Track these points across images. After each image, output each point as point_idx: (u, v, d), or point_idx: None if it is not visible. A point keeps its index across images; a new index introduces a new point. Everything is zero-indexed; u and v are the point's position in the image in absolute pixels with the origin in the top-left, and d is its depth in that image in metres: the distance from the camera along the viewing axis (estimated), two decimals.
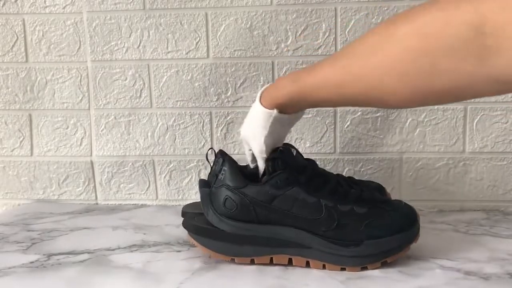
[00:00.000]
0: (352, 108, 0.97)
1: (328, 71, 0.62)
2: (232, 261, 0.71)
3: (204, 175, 1.02)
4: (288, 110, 0.70)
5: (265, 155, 0.72)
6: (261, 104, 0.70)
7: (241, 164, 0.75)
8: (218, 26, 0.98)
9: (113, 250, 0.78)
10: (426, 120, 0.96)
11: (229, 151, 1.00)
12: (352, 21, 0.95)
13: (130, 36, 0.99)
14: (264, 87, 0.72)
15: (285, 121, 0.71)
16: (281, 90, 0.68)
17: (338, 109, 0.98)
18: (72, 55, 1.02)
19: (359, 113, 0.97)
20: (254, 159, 0.75)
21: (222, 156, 0.73)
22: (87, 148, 1.04)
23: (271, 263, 0.71)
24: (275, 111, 0.69)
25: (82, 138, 1.04)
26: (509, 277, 0.66)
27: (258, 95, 0.72)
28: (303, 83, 0.65)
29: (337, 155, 0.99)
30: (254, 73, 0.98)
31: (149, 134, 1.02)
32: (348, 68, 0.59)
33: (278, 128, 0.71)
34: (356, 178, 0.83)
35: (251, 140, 0.73)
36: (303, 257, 0.70)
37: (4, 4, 1.01)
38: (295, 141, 0.98)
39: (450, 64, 0.50)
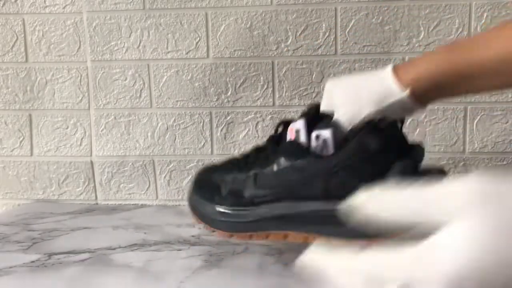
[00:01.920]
0: None
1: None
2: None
3: None
4: (423, 93, 0.60)
5: (349, 127, 0.60)
6: (394, 75, 0.60)
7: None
8: (218, 26, 0.98)
9: (113, 249, 0.78)
10: (426, 120, 0.96)
11: (229, 151, 1.00)
12: (352, 21, 0.95)
13: (130, 36, 0.99)
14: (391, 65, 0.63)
15: (402, 108, 0.61)
16: (426, 63, 0.60)
17: None
18: (72, 55, 1.02)
19: None
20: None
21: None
22: (87, 148, 1.04)
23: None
24: (406, 92, 0.60)
25: (82, 138, 1.04)
26: None
27: (390, 67, 0.62)
28: (458, 54, 0.58)
29: None
30: (254, 73, 0.98)
31: (149, 134, 1.02)
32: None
33: (388, 112, 0.60)
34: None
35: (347, 104, 0.61)
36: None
37: (4, 4, 1.01)
38: None
39: None
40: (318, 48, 0.96)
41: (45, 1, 1.00)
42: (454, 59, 0.58)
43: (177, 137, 1.01)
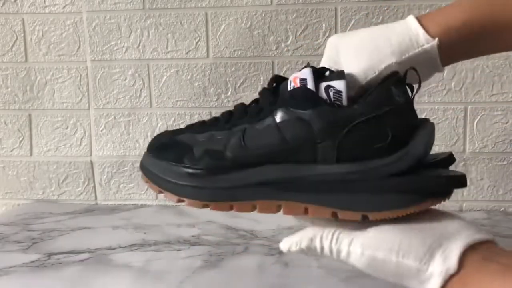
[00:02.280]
0: None
1: None
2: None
3: None
4: (453, 46, 0.51)
5: (362, 83, 0.51)
6: (421, 24, 0.51)
7: None
8: (218, 26, 0.97)
9: (113, 249, 0.78)
10: None
11: None
12: (352, 21, 0.95)
13: (129, 36, 0.99)
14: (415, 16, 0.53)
15: (426, 63, 0.52)
16: (458, 11, 0.51)
17: None
18: (72, 55, 1.01)
19: None
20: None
21: None
22: (87, 148, 1.04)
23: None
24: (435, 40, 0.50)
25: (81, 138, 1.04)
26: None
27: (413, 18, 0.52)
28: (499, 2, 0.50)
29: None
30: (254, 73, 0.98)
31: (149, 134, 1.02)
32: None
33: (407, 65, 0.50)
34: None
35: (363, 56, 0.52)
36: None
37: (3, 3, 1.01)
38: None
39: None
40: (318, 48, 0.96)
41: (44, 1, 1.00)
42: (495, 7, 0.50)
43: None
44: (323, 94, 0.48)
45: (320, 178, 0.48)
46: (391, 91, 0.47)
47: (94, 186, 1.05)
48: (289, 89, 0.49)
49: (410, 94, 0.49)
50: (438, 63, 0.52)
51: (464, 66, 0.94)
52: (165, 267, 0.71)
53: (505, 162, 0.96)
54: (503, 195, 0.97)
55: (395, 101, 0.47)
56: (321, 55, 0.96)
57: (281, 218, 0.92)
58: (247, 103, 0.54)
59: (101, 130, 1.03)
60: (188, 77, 0.99)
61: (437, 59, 0.51)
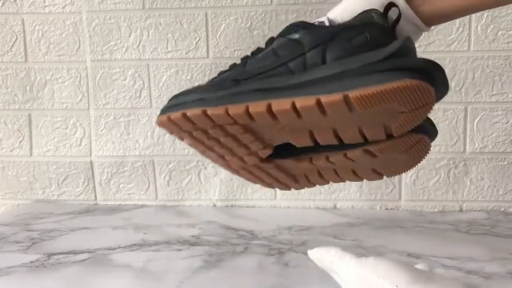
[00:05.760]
0: None
1: None
2: None
3: (204, 175, 1.02)
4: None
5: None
6: None
7: None
8: (218, 26, 0.97)
9: (113, 249, 0.78)
10: None
11: None
12: None
13: (129, 36, 0.99)
14: None
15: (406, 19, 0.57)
16: None
17: None
18: (72, 55, 1.01)
19: None
20: None
21: None
22: (87, 148, 1.04)
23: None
24: None
25: (81, 138, 1.04)
26: (511, 276, 0.66)
27: None
28: None
29: None
30: None
31: (148, 134, 1.02)
32: None
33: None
34: None
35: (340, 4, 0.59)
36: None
37: (3, 3, 1.01)
38: None
39: None
40: None
41: (44, 1, 1.00)
42: None
43: None
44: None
45: (308, 77, 0.53)
46: (372, 16, 0.54)
47: (94, 186, 1.05)
48: None
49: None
50: (416, 23, 0.57)
51: (464, 66, 0.94)
52: (165, 267, 0.71)
53: (505, 162, 0.96)
54: (503, 195, 0.97)
55: (374, 21, 0.54)
56: None
57: (281, 219, 0.92)
58: None
59: (101, 130, 1.03)
60: (188, 77, 0.99)
61: (414, 18, 0.56)
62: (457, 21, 0.93)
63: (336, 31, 0.54)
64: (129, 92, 1.01)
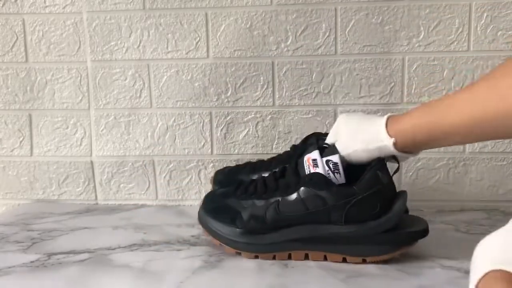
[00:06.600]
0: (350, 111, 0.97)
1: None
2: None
3: (204, 175, 1.02)
4: (405, 145, 0.69)
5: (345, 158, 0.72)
6: (386, 124, 0.69)
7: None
8: (218, 26, 0.98)
9: (113, 249, 0.78)
10: None
11: (229, 151, 1.00)
12: (352, 21, 0.95)
13: (130, 36, 0.99)
14: (390, 114, 0.72)
15: (389, 153, 0.70)
16: (411, 116, 0.68)
17: (338, 109, 0.98)
18: (72, 55, 1.01)
19: None
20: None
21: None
22: (87, 148, 1.04)
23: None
24: (391, 140, 0.68)
25: (82, 138, 1.04)
26: None
27: (385, 118, 0.71)
28: (434, 117, 0.66)
29: None
30: (254, 73, 0.98)
31: (149, 134, 1.02)
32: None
33: (375, 154, 0.70)
34: None
35: (347, 138, 0.72)
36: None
37: (4, 4, 1.01)
38: (295, 141, 0.98)
39: None
40: (318, 48, 0.96)
41: (45, 1, 1.00)
42: (430, 121, 0.66)
43: (177, 137, 1.01)
44: (325, 167, 0.70)
45: (334, 234, 0.70)
46: (378, 175, 0.69)
47: (94, 186, 1.05)
48: (306, 171, 0.71)
49: (390, 172, 0.71)
50: (400, 154, 0.70)
51: (464, 66, 0.94)
52: (165, 267, 0.71)
53: (505, 162, 0.96)
54: (503, 195, 0.97)
55: (380, 182, 0.69)
56: (321, 55, 0.97)
57: None
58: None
59: (101, 130, 1.03)
60: (188, 77, 0.99)
61: (397, 152, 0.69)
62: (457, 21, 0.93)
63: (354, 196, 0.69)
64: (130, 92, 1.01)
